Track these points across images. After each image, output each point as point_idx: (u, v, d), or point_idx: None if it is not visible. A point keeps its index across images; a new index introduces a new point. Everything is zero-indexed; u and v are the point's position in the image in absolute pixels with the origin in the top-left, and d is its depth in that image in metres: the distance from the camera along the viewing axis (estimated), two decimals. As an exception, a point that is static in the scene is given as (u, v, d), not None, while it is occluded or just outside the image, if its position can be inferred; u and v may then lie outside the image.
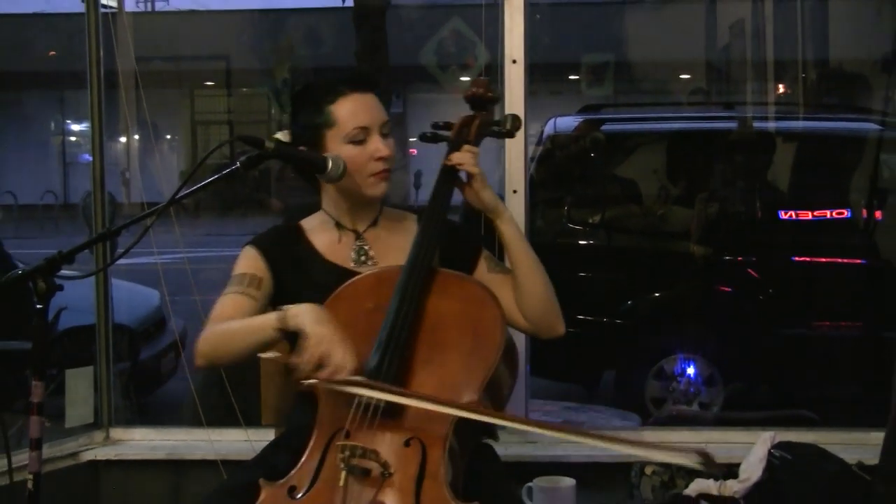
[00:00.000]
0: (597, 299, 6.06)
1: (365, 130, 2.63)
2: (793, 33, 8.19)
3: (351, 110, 2.63)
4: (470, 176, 2.65)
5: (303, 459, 2.38)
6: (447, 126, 2.81)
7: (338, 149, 2.63)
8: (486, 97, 2.85)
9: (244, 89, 18.79)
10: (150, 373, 6.52)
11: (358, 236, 2.74)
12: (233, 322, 2.53)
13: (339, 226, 2.75)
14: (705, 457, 2.14)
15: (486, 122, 2.81)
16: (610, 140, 6.73)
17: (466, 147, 2.69)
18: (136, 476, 3.94)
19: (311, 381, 2.33)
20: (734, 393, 5.84)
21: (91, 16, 4.07)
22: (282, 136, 2.71)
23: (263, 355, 2.41)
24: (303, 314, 2.35)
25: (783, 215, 6.25)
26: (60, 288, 2.38)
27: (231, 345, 2.51)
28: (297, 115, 2.71)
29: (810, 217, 6.23)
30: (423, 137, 2.79)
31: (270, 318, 2.40)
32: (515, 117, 2.83)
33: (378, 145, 2.63)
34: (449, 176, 2.69)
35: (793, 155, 6.53)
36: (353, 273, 2.65)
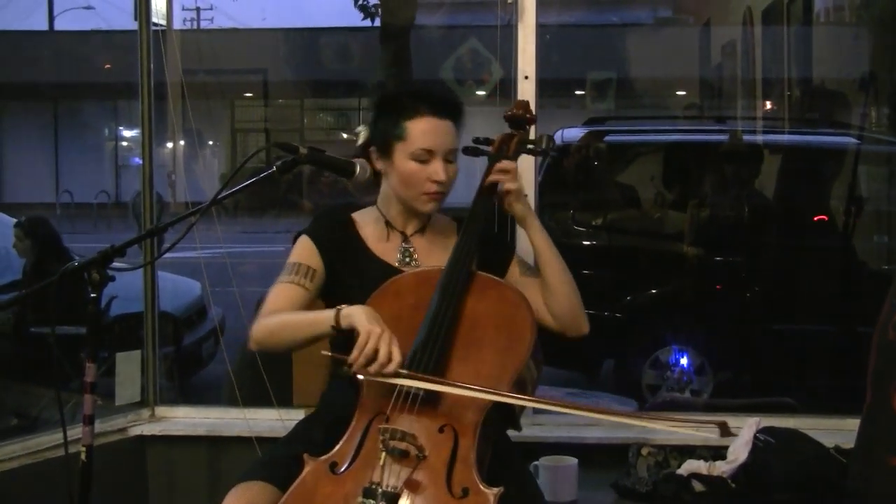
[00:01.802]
0: (599, 295, 6.03)
1: (430, 153, 2.60)
2: (779, 54, 8.16)
3: (423, 131, 2.61)
4: (508, 191, 2.64)
5: (344, 438, 2.38)
6: (487, 141, 2.81)
7: (402, 162, 2.62)
8: (525, 118, 2.85)
9: (280, 100, 18.83)
10: (192, 357, 6.52)
11: (405, 238, 2.73)
12: (290, 314, 2.53)
13: (388, 225, 2.74)
14: (722, 426, 2.27)
15: (523, 141, 2.81)
16: (612, 150, 6.72)
17: (506, 162, 2.68)
18: (179, 450, 3.94)
19: (361, 376, 2.34)
20: (723, 381, 5.82)
21: (143, 33, 4.07)
22: (363, 130, 2.73)
23: (325, 353, 2.41)
24: (356, 314, 2.34)
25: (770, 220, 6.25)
26: (112, 279, 2.39)
27: (286, 335, 2.52)
28: (378, 119, 2.68)
29: (794, 221, 6.23)
30: (466, 151, 2.78)
31: (328, 316, 2.39)
32: (550, 137, 2.82)
33: (437, 168, 2.61)
34: (489, 189, 2.68)
35: (778, 165, 6.51)
36: (397, 271, 2.65)
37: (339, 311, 2.38)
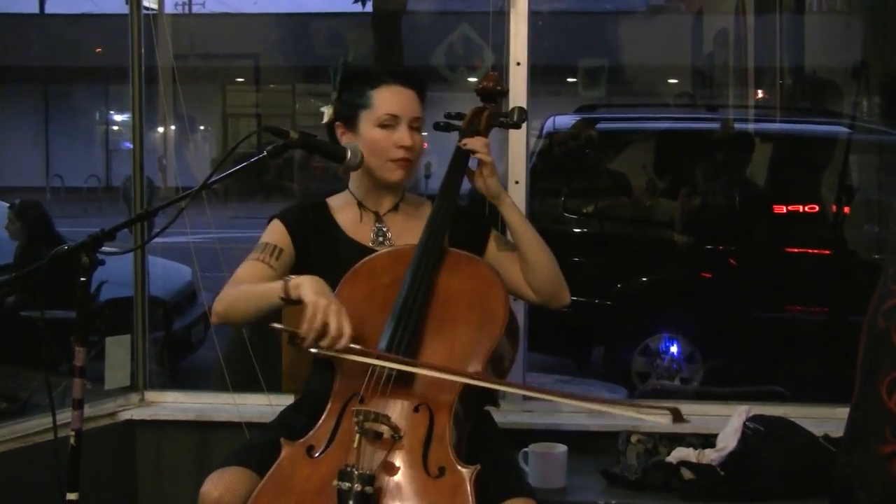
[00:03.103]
0: (589, 282, 6.04)
1: (395, 118, 2.64)
2: (771, 43, 8.16)
3: (387, 98, 2.65)
4: (481, 164, 2.65)
5: (320, 422, 2.39)
6: (459, 116, 2.81)
7: (368, 130, 2.65)
8: (496, 90, 2.85)
9: (271, 85, 18.77)
10: (181, 341, 6.53)
11: (378, 218, 2.74)
12: (248, 286, 2.54)
13: (361, 205, 2.75)
14: (675, 412, 2.19)
15: (495, 114, 2.81)
16: (603, 137, 6.71)
17: (482, 139, 2.69)
18: (168, 435, 3.93)
19: (316, 351, 2.33)
20: (713, 370, 5.83)
21: (134, 17, 4.06)
22: (326, 110, 2.74)
23: (274, 325, 2.41)
24: (303, 285, 2.35)
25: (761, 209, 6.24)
26: (102, 263, 2.38)
27: (242, 307, 2.53)
28: (343, 92, 2.73)
29: (784, 211, 6.22)
30: (437, 126, 2.80)
31: (276, 286, 2.40)
32: (522, 110, 2.83)
33: (403, 135, 2.64)
34: (461, 162, 2.69)
35: (769, 154, 6.51)
36: (371, 251, 2.66)
37: (286, 281, 2.38)
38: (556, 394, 2.44)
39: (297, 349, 2.38)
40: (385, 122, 2.65)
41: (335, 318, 2.29)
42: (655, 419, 2.26)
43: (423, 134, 2.75)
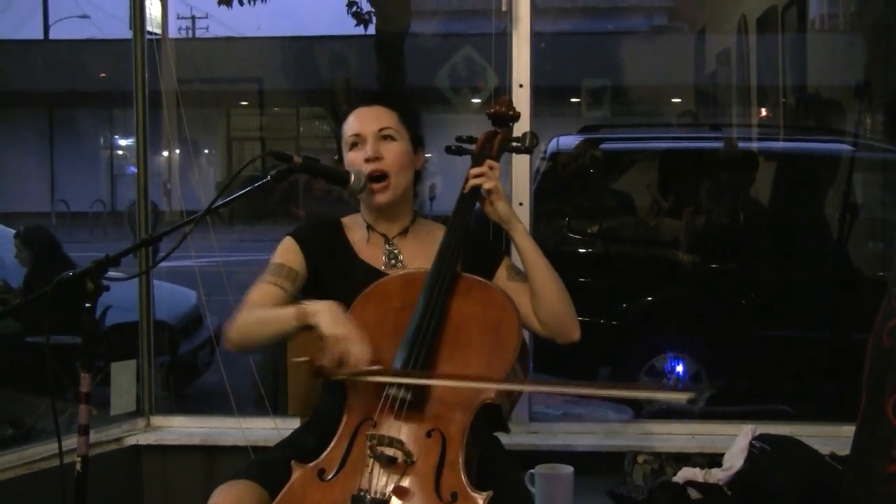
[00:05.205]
0: (594, 302, 6.03)
1: (358, 137, 2.69)
2: (774, 62, 8.18)
3: (350, 121, 2.71)
4: (487, 190, 2.64)
5: (332, 445, 2.39)
6: (471, 140, 2.81)
7: (345, 156, 2.71)
8: (508, 115, 2.85)
9: (275, 109, 18.81)
10: (187, 366, 6.52)
11: (388, 241, 2.75)
12: (260, 311, 2.54)
13: (370, 228, 2.75)
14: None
15: (507, 139, 2.81)
16: (607, 157, 6.72)
17: (488, 162, 2.68)
18: (174, 459, 3.94)
19: (336, 378, 2.34)
20: (719, 389, 5.82)
21: (138, 41, 4.09)
22: None
23: (294, 360, 2.42)
24: (320, 314, 2.36)
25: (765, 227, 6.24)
26: (107, 288, 2.39)
27: (255, 333, 2.53)
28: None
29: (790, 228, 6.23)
30: (449, 150, 2.80)
31: (290, 313, 2.41)
32: (533, 135, 2.82)
33: (367, 148, 2.67)
34: (471, 191, 2.68)
35: (773, 172, 6.51)
36: (383, 274, 2.66)
37: (303, 308, 2.39)
38: (571, 385, 2.45)
39: (322, 380, 2.39)
40: (352, 143, 2.70)
41: (357, 347, 2.31)
42: (672, 396, 2.29)
43: (428, 155, 2.76)
